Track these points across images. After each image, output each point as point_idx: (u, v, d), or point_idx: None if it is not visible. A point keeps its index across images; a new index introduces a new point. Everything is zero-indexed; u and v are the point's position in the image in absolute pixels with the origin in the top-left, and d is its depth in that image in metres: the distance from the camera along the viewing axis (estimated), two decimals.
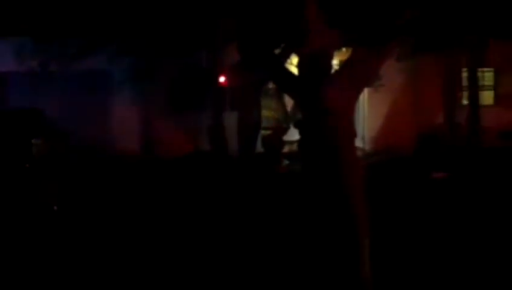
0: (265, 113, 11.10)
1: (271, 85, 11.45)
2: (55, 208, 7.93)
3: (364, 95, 14.73)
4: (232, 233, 6.99)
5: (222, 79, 13.00)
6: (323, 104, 3.87)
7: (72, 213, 8.11)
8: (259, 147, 11.43)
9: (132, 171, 12.27)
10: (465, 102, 14.11)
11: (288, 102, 11.36)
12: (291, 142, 12.44)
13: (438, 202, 8.62)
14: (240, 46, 4.44)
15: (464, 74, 13.92)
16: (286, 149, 12.04)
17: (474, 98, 13.32)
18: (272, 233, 6.92)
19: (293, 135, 11.95)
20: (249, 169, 11.94)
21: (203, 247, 6.42)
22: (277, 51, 5.49)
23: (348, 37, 4.01)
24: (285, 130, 11.21)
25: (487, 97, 15.52)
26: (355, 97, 4.02)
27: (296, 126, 11.20)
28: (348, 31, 3.88)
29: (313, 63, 3.86)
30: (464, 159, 12.24)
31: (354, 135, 4.01)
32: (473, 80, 13.21)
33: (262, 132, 11.10)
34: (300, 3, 3.71)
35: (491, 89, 15.70)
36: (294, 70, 4.23)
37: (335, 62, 5.66)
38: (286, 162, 12.56)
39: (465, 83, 14.00)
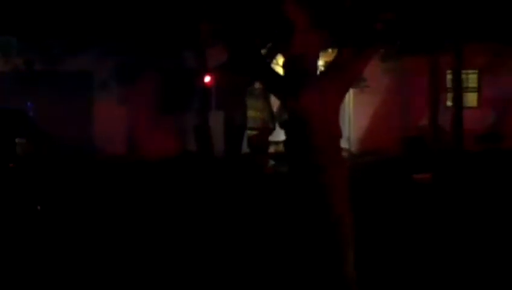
0: (251, 113, 11.12)
1: (257, 86, 11.48)
2: (39, 207, 7.88)
3: (350, 96, 14.81)
4: (218, 234, 6.98)
5: (207, 79, 13.01)
6: (303, 105, 3.90)
7: (55, 213, 8.06)
8: (245, 148, 11.45)
9: (116, 172, 12.20)
10: (449, 104, 14.21)
11: (275, 102, 11.38)
12: (277, 143, 12.46)
13: (419, 203, 8.70)
14: (226, 46, 4.45)
15: (448, 76, 14.03)
16: (272, 150, 12.06)
17: (458, 100, 13.40)
18: (259, 234, 6.92)
19: (279, 135, 11.97)
20: (235, 170, 11.95)
21: (188, 248, 6.40)
22: (263, 51, 5.51)
23: (332, 39, 4.02)
24: (271, 131, 11.24)
25: (471, 99, 15.66)
26: (338, 99, 4.03)
27: (281, 127, 11.28)
28: (332, 32, 3.90)
29: (296, 64, 3.87)
30: (446, 162, 12.33)
31: (338, 136, 4.02)
32: (457, 81, 13.31)
33: (248, 132, 11.12)
34: (280, 2, 3.72)
35: (475, 91, 15.88)
36: (280, 70, 4.23)
37: (320, 63, 5.70)
38: (272, 162, 12.58)
39: (449, 84, 14.12)
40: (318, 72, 4.07)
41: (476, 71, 15.28)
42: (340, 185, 4.00)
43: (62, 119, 13.10)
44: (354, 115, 15.12)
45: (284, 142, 11.05)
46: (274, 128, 11.17)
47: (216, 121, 12.87)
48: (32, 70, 11.88)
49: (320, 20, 3.74)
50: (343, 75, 3.95)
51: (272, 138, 11.80)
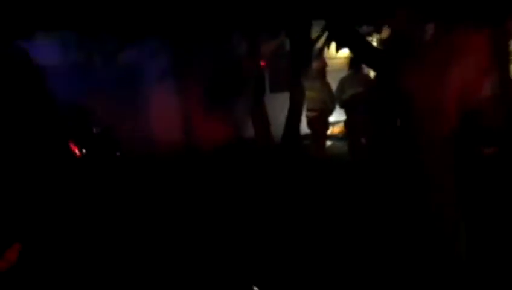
0: (309, 94, 10.96)
1: (314, 66, 11.32)
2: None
3: None
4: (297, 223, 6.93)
5: (262, 63, 12.91)
6: (407, 81, 3.78)
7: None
8: (305, 129, 11.33)
9: (175, 164, 12.26)
10: None
11: (332, 83, 11.22)
12: (335, 123, 12.30)
13: (496, 176, 8.47)
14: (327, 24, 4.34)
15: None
16: (331, 131, 11.92)
17: None
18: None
19: (339, 116, 11.79)
20: (293, 155, 11.88)
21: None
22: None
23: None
24: (330, 111, 11.07)
25: None
26: (441, 75, 3.90)
27: (342, 106, 11.06)
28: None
29: (400, 39, 3.75)
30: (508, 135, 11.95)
31: (441, 113, 3.89)
32: None
33: (308, 113, 10.98)
34: None
35: None
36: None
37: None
38: (329, 143, 12.45)
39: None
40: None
41: None
42: (444, 164, 3.88)
43: (119, 112, 13.19)
44: None
45: (344, 121, 10.84)
46: (334, 109, 11.00)
47: (272, 104, 12.79)
48: (91, 64, 12.01)
49: None
50: (443, 51, 3.81)
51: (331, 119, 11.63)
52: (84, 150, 4.53)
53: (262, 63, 12.69)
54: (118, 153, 4.59)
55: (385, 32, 3.89)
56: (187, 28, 13.01)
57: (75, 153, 4.16)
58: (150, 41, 13.48)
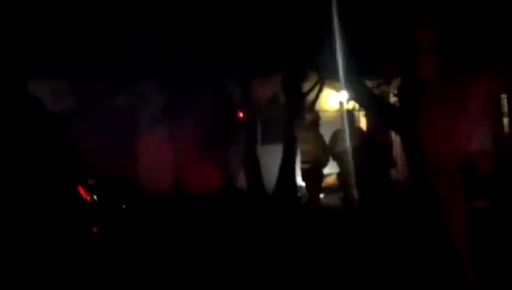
0: (302, 146, 10.95)
1: (307, 118, 11.36)
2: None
3: None
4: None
5: (243, 113, 12.98)
6: (425, 128, 3.75)
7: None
8: (298, 181, 11.29)
9: (164, 209, 12.14)
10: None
11: (325, 135, 11.25)
12: (328, 175, 12.26)
13: (486, 229, 8.46)
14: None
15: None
16: (324, 183, 11.87)
17: None
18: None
19: (331, 168, 11.78)
20: (287, 206, 11.80)
21: None
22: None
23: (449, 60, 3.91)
24: (324, 164, 11.05)
25: None
26: (452, 123, 3.90)
27: (334, 159, 11.04)
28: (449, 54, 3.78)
29: (419, 87, 3.75)
30: (503, 188, 12.00)
31: (453, 159, 3.86)
32: None
33: (301, 165, 10.95)
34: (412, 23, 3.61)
35: None
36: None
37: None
38: (322, 195, 12.38)
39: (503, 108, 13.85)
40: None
41: None
42: (455, 208, 3.84)
43: (109, 157, 13.10)
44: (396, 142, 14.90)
45: (337, 174, 10.77)
46: (327, 161, 10.99)
47: (264, 156, 12.79)
48: (82, 110, 12.00)
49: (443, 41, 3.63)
50: (457, 97, 3.82)
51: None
52: (95, 197, 4.45)
53: (242, 114, 12.78)
54: (123, 206, 4.50)
55: (395, 84, 3.89)
56: (182, 72, 13.13)
57: (86, 199, 4.08)
58: (143, 86, 13.55)
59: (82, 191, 4.05)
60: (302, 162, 10.89)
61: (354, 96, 4.32)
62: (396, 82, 3.71)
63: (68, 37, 11.10)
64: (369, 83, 4.73)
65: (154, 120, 14.42)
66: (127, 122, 14.35)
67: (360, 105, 5.00)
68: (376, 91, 4.31)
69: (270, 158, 12.82)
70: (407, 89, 3.73)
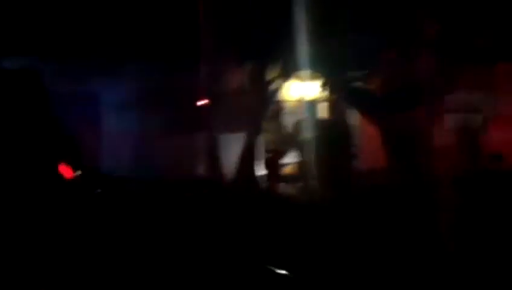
0: (265, 136, 11.07)
1: (271, 107, 11.47)
2: None
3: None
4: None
5: (202, 101, 12.99)
6: (416, 120, 3.85)
7: None
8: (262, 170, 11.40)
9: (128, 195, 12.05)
10: None
11: (287, 124, 11.38)
12: (288, 164, 12.39)
13: None
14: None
15: None
16: (283, 171, 12.01)
17: None
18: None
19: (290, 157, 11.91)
20: (247, 193, 11.89)
21: None
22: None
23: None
24: (284, 153, 11.19)
25: None
26: (443, 114, 4.01)
27: (296, 148, 11.13)
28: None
29: (414, 82, 3.83)
30: None
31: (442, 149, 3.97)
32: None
33: (265, 154, 11.05)
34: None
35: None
36: None
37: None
38: (282, 183, 12.51)
39: None
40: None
41: None
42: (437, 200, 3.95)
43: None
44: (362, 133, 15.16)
45: (298, 163, 10.90)
46: (288, 151, 11.13)
47: (224, 144, 12.80)
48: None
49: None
50: (444, 94, 3.93)
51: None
52: (79, 171, 4.40)
53: (204, 102, 12.79)
54: (98, 190, 4.44)
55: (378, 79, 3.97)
56: (146, 58, 12.97)
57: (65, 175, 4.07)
58: (111, 70, 13.36)
59: (64, 168, 4.04)
60: (266, 151, 10.99)
61: (337, 88, 4.40)
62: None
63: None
64: (353, 75, 4.84)
65: (119, 107, 14.25)
66: (92, 108, 14.12)
67: (344, 96, 5.09)
68: (361, 84, 4.42)
69: (232, 147, 12.85)
70: (403, 82, 3.82)
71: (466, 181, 11.80)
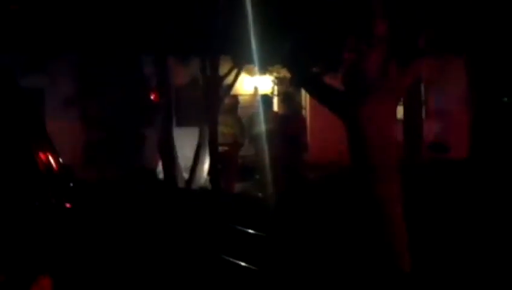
0: (221, 129, 11.21)
1: (226, 101, 11.62)
2: None
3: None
4: None
5: (153, 95, 13.00)
6: (365, 115, 4.11)
7: None
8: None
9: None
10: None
11: (243, 118, 11.57)
12: (243, 157, 12.60)
13: None
14: (286, 64, 4.61)
15: None
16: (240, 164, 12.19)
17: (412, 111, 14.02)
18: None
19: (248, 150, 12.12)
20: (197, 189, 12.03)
21: None
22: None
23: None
24: (240, 146, 11.39)
25: None
26: (393, 110, 4.29)
27: (251, 141, 11.38)
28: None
29: (362, 77, 4.09)
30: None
31: (393, 144, 4.26)
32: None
33: (220, 148, 11.20)
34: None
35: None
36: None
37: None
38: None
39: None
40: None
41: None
42: (392, 187, 4.24)
43: None
44: (310, 126, 15.57)
45: (254, 155, 11.00)
46: (243, 144, 11.33)
47: (179, 138, 12.89)
48: None
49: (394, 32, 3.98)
50: (394, 88, 4.20)
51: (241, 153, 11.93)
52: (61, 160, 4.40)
53: (154, 96, 12.80)
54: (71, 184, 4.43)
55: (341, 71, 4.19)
56: (96, 47, 12.81)
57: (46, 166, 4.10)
58: (55, 64, 13.14)
59: (42, 157, 4.10)
60: (220, 144, 11.13)
61: (298, 81, 4.60)
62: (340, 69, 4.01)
63: None
64: (314, 69, 5.05)
65: (66, 101, 14.09)
66: (36, 103, 13.91)
67: (306, 90, 5.29)
68: (321, 77, 4.62)
69: (185, 140, 12.95)
70: (356, 77, 4.07)
71: (409, 170, 12.35)
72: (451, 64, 15.02)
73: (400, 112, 14.11)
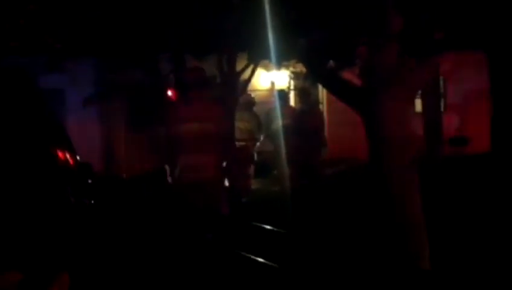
0: (238, 125, 11.22)
1: (243, 98, 11.62)
2: None
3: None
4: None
5: (170, 93, 13.03)
6: (382, 110, 4.08)
7: None
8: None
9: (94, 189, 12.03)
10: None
11: (260, 113, 11.56)
12: (261, 153, 12.59)
13: None
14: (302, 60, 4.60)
15: None
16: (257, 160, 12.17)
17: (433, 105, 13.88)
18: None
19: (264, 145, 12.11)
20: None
21: None
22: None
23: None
24: (256, 141, 11.40)
25: None
26: (410, 104, 4.25)
27: (268, 137, 11.36)
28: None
29: (378, 72, 4.06)
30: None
31: (410, 139, 4.23)
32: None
33: (237, 143, 11.19)
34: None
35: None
36: None
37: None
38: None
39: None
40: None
41: (442, 78, 15.95)
42: (410, 185, 4.20)
43: None
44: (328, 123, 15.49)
45: (272, 151, 11.01)
46: (259, 139, 11.33)
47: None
48: None
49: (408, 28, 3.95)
50: (411, 83, 4.16)
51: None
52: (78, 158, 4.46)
53: (171, 94, 12.82)
54: (89, 181, 4.48)
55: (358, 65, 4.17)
56: (114, 51, 12.91)
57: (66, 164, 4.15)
58: (74, 65, 13.26)
59: (61, 155, 4.14)
60: (238, 139, 11.14)
61: (315, 77, 4.59)
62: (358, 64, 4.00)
63: None
64: (331, 64, 5.02)
65: (86, 101, 14.19)
66: (56, 103, 14.04)
67: (323, 85, 5.27)
68: (338, 72, 4.59)
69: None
70: (373, 72, 4.04)
71: (432, 165, 12.25)
72: (470, 57, 14.87)
73: (418, 105, 14.47)
